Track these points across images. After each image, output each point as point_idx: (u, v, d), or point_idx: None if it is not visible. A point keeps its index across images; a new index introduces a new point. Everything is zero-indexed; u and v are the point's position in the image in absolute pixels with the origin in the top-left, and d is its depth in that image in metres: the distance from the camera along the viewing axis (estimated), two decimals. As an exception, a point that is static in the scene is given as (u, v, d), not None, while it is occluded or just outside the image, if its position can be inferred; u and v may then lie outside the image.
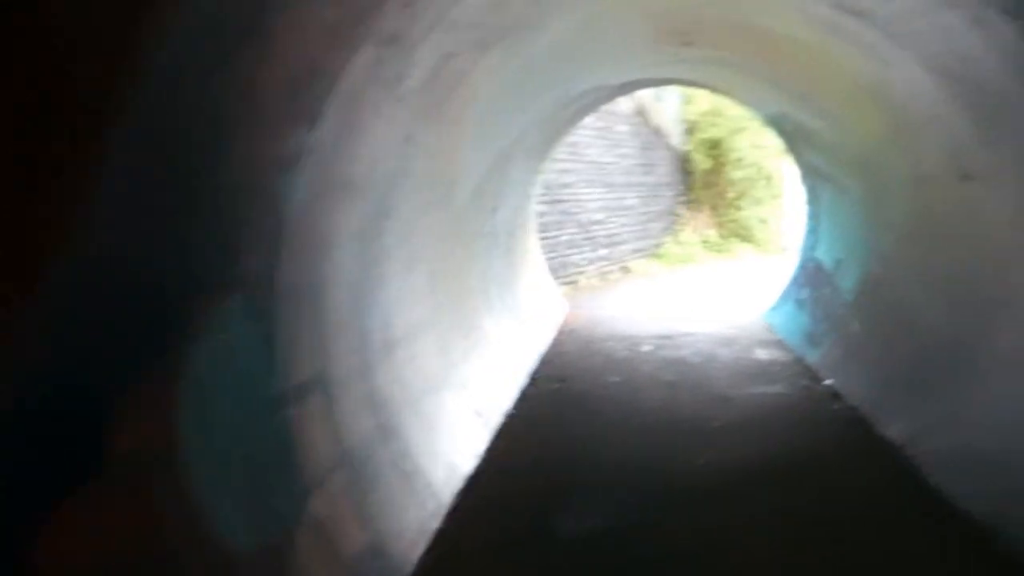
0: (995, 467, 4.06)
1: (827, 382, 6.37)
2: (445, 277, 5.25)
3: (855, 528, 3.71)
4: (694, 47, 6.38)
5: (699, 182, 17.52)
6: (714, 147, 17.14)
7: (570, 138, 11.19)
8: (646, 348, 7.74)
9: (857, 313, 6.81)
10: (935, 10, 3.98)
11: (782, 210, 17.36)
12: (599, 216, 12.93)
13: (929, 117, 4.87)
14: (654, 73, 8.27)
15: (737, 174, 17.10)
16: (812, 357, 7.13)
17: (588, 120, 12.06)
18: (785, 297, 9.44)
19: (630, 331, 8.57)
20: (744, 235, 17.35)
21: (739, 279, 13.25)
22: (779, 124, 8.98)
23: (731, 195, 17.45)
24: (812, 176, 8.81)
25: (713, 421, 5.41)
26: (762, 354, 7.49)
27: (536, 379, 6.54)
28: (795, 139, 8.78)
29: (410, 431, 4.06)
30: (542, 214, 10.89)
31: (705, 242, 16.85)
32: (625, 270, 13.86)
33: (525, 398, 5.98)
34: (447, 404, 4.67)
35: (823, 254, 8.55)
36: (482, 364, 5.63)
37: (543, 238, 10.86)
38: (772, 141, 16.22)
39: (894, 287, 6.11)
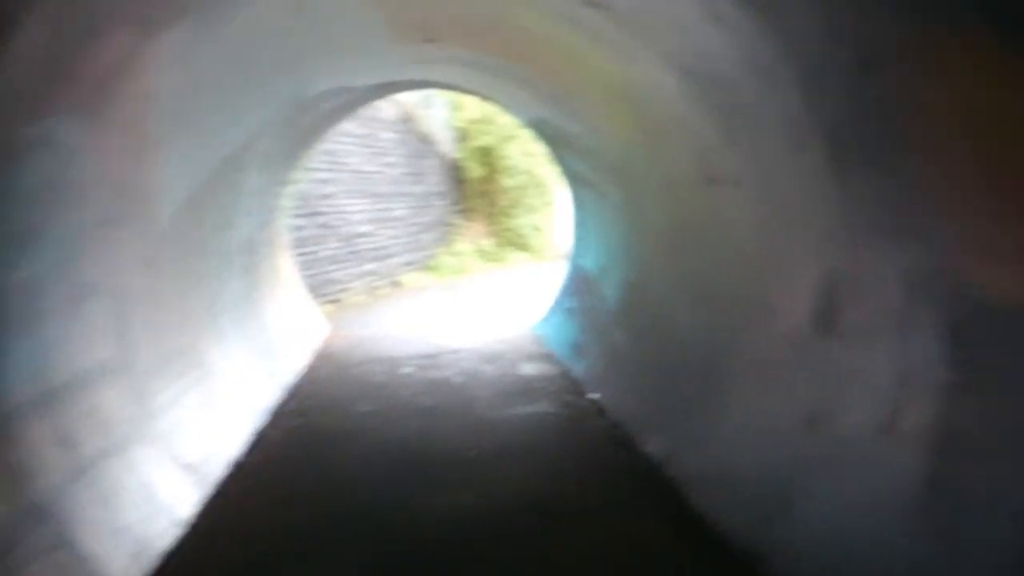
0: (748, 487, 3.84)
1: (592, 396, 6.09)
2: (145, 308, 4.34)
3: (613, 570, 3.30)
4: (438, 45, 5.88)
5: (472, 191, 17.27)
6: (486, 155, 16.95)
7: (325, 145, 10.41)
8: (406, 370, 7.15)
9: (620, 322, 6.61)
10: (668, 1, 3.69)
11: (555, 217, 17.53)
12: (365, 228, 12.21)
13: (675, 118, 4.65)
14: (402, 74, 7.72)
15: (509, 182, 17.02)
16: (578, 370, 6.86)
17: (348, 127, 11.34)
18: (555, 307, 9.23)
19: (392, 352, 7.95)
20: (519, 243, 17.31)
21: (513, 289, 13.05)
22: (540, 130, 8.75)
23: (504, 203, 17.36)
24: (576, 183, 8.65)
25: (470, 451, 4.90)
26: (528, 369, 7.13)
27: (279, 415, 5.74)
28: (557, 145, 8.57)
29: (74, 508, 3.19)
30: (298, 228, 10.02)
31: (480, 252, 16.61)
32: (396, 284, 13.24)
33: (261, 440, 5.18)
34: (140, 463, 3.80)
35: (589, 262, 8.39)
36: (200, 407, 4.76)
37: (301, 254, 10.00)
38: (541, 148, 16.37)
39: (653, 295, 5.94)
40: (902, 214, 2.94)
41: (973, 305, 2.65)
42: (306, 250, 10.28)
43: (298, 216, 9.99)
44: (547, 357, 7.62)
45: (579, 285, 8.60)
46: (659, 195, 5.64)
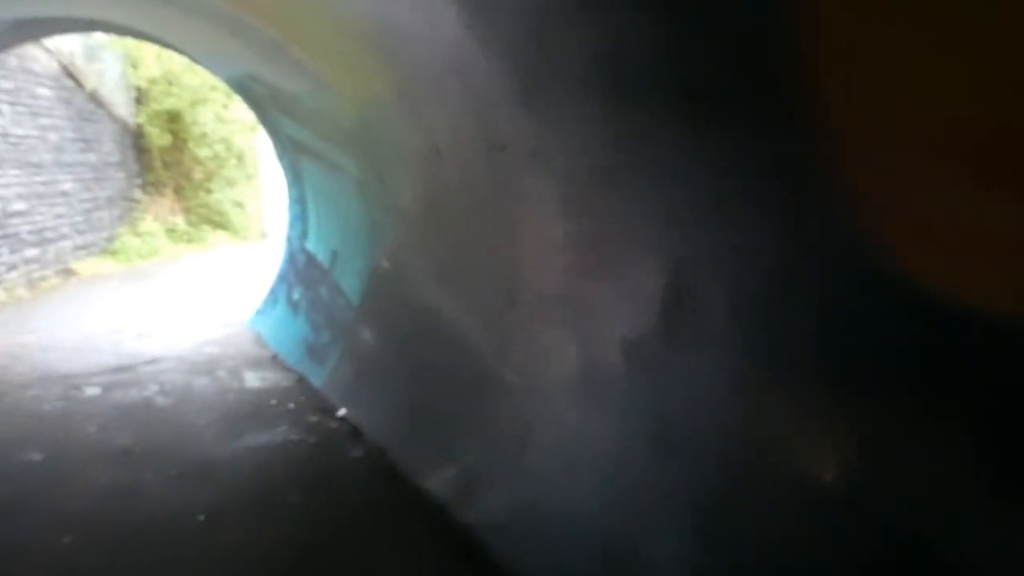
0: (543, 530, 3.10)
1: (341, 413, 5.02)
2: None
3: None
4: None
5: (158, 161, 14.92)
6: (172, 120, 14.66)
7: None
8: (91, 391, 5.53)
9: (366, 319, 5.58)
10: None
11: (259, 192, 15.80)
12: (20, 206, 9.81)
13: (450, 69, 3.70)
14: (56, 8, 5.95)
15: (203, 152, 14.88)
16: (318, 378, 5.73)
17: (-13, 78, 8.95)
18: (274, 297, 7.92)
19: (69, 366, 6.20)
20: (218, 221, 15.34)
21: (217, 275, 11.36)
22: (247, 89, 7.34)
23: (198, 176, 15.24)
24: (293, 152, 7.37)
25: (195, 513, 3.63)
26: (255, 380, 5.86)
27: None
28: (268, 107, 7.24)
29: None
30: (-80, 208, 7.65)
31: (171, 231, 14.43)
32: (67, 273, 10.91)
33: None
34: None
35: (314, 245, 7.20)
36: None
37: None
38: (242, 113, 14.56)
39: (412, 287, 4.97)
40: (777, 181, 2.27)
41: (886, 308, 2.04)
42: (-66, 237, 7.91)
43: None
44: (275, 362, 6.37)
45: (304, 273, 7.39)
46: (418, 166, 4.67)
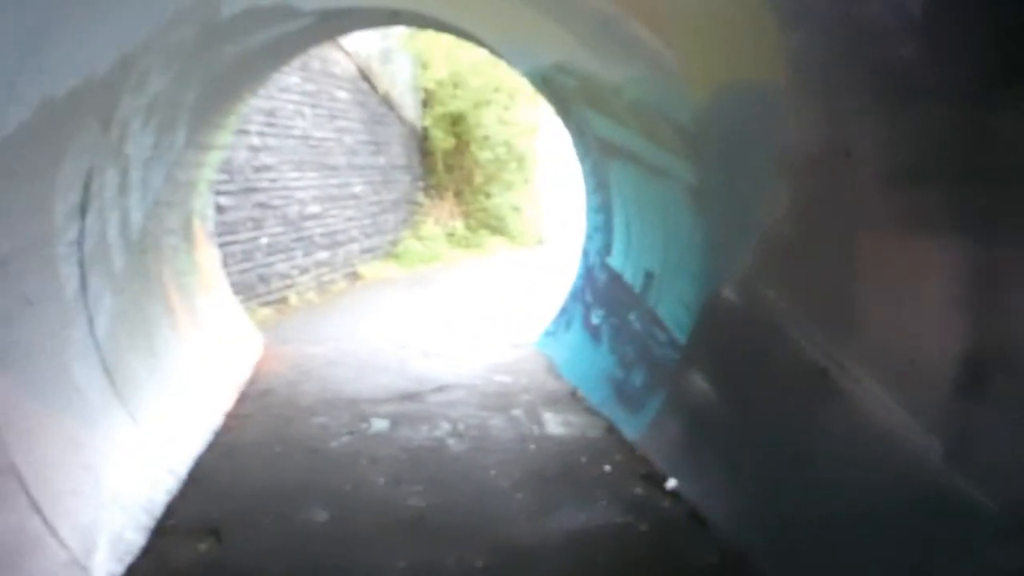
0: None
1: (671, 485, 3.90)
2: None
3: None
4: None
5: (440, 164, 14.84)
6: (456, 123, 14.49)
7: (263, 103, 8.00)
8: (378, 425, 4.88)
9: (700, 364, 4.42)
10: None
11: (537, 196, 15.25)
12: (314, 208, 9.80)
13: (868, 35, 2.42)
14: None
15: (484, 154, 14.57)
16: (632, 429, 4.68)
17: (292, 81, 8.91)
18: (566, 318, 7.02)
19: (355, 388, 5.66)
20: (495, 226, 14.98)
21: (498, 283, 10.80)
22: (552, 82, 6.47)
23: (478, 180, 14.98)
24: (599, 154, 6.39)
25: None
26: (556, 424, 4.92)
27: (170, 529, 3.45)
28: (575, 103, 6.31)
29: None
30: (226, 209, 7.61)
31: (450, 235, 14.25)
32: (353, 277, 10.87)
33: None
34: None
35: (620, 263, 6.17)
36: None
37: (229, 243, 7.60)
38: (524, 115, 14.06)
39: (769, 332, 3.71)
40: None
41: None
42: (237, 237, 7.87)
43: (225, 194, 7.58)
44: (575, 401, 5.41)
45: (605, 294, 6.39)
46: (802, 172, 3.42)
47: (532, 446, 4.55)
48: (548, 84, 6.64)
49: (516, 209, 15.13)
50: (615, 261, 6.33)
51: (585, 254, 7.15)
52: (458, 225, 14.56)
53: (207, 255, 6.45)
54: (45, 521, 2.78)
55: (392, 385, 5.71)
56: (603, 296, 6.43)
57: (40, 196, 3.25)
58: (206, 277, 6.26)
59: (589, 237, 7.13)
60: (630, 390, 5.17)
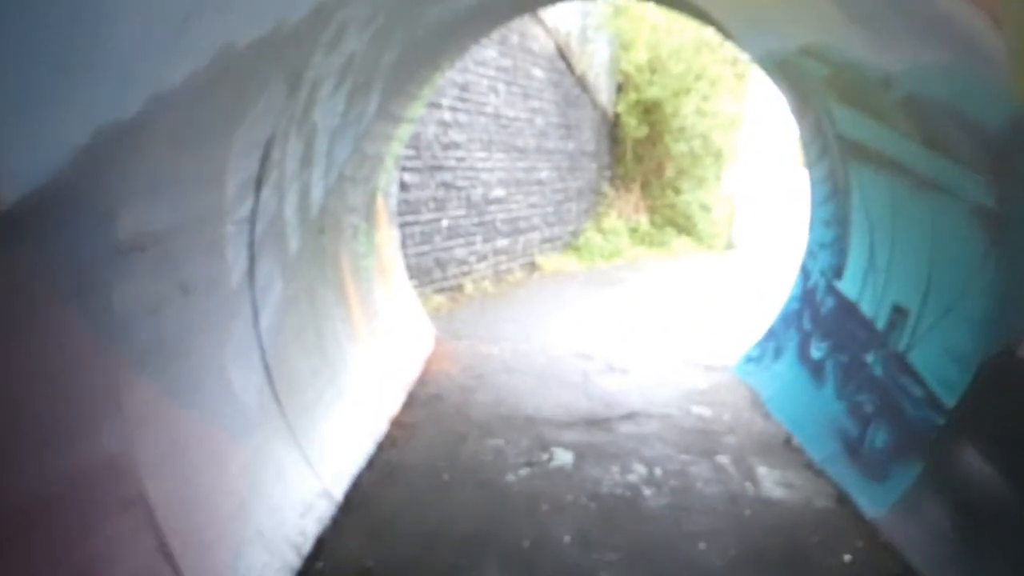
0: None
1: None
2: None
3: None
4: None
5: (629, 154, 13.96)
6: (651, 111, 13.54)
7: (456, 75, 7.47)
8: (561, 457, 4.18)
9: (978, 437, 3.41)
10: None
11: (732, 196, 14.08)
12: (499, 192, 9.24)
13: None
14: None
15: (678, 147, 13.53)
16: (874, 503, 3.74)
17: (488, 54, 8.35)
18: (775, 344, 6.05)
19: (535, 401, 5.00)
20: (682, 224, 13.95)
21: (685, 289, 9.87)
22: (793, 68, 5.49)
23: (669, 173, 13.98)
24: (841, 157, 5.37)
25: None
26: (773, 484, 4.03)
27: (317, 574, 2.89)
28: (819, 94, 5.31)
29: None
30: (409, 187, 7.15)
31: (633, 231, 13.37)
32: (531, 267, 10.26)
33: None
34: None
35: (855, 290, 5.14)
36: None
37: (409, 223, 7.14)
38: (725, 107, 12.97)
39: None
40: None
41: None
42: (418, 218, 7.41)
43: (409, 170, 7.12)
44: (791, 451, 4.50)
45: (830, 323, 5.38)
46: None
47: (747, 511, 3.70)
48: (786, 71, 5.66)
49: (706, 208, 14.01)
50: (847, 287, 5.30)
51: (805, 272, 6.13)
52: (642, 220, 13.66)
53: (387, 237, 5.98)
54: (175, 568, 2.26)
55: (575, 405, 5.00)
56: (828, 326, 5.42)
57: (211, 165, 2.75)
58: (384, 261, 5.79)
59: (812, 254, 6.11)
60: (868, 451, 4.19)
